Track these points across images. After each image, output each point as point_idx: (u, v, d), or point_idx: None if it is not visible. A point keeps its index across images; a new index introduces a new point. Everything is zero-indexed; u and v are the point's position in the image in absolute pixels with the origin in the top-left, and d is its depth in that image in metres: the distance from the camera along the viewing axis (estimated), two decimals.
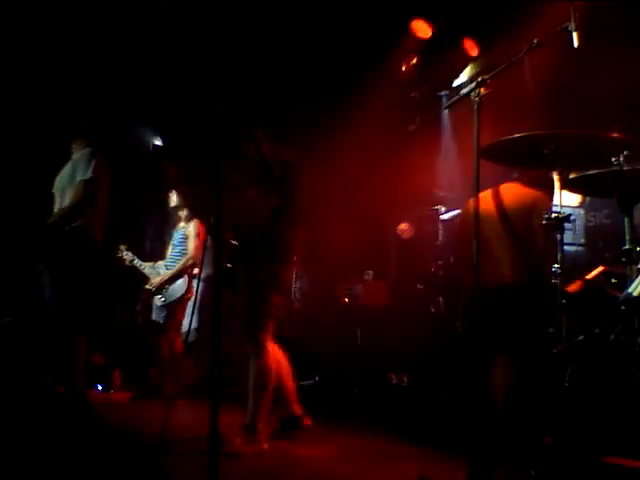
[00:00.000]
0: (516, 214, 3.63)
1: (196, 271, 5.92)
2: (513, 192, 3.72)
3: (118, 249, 5.95)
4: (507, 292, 3.50)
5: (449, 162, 6.01)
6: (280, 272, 3.80)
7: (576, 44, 2.71)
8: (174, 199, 6.04)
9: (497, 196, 3.75)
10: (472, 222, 2.91)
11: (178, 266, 5.86)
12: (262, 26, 5.58)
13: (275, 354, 3.75)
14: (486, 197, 3.75)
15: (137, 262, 5.96)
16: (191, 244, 5.88)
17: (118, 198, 7.28)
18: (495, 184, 3.84)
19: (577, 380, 2.58)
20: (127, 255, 5.94)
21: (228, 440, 3.39)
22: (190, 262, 5.88)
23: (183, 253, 5.91)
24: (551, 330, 2.77)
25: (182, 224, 6.03)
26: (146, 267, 5.96)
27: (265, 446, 3.44)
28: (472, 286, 2.69)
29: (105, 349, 6.52)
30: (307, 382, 4.93)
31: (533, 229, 3.53)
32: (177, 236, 6.00)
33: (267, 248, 3.67)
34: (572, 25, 2.72)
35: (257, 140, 2.38)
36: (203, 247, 5.84)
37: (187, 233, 5.93)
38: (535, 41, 2.82)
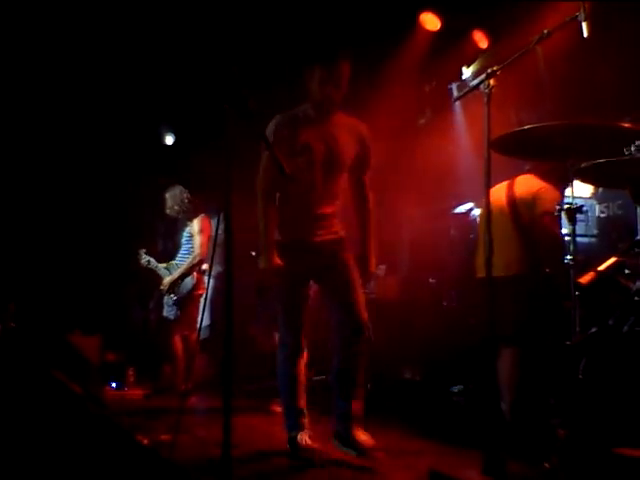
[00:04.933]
0: (522, 204, 3.69)
1: (205, 267, 5.94)
2: (524, 183, 3.76)
3: (138, 253, 6.00)
4: (511, 282, 3.51)
5: (461, 154, 5.97)
6: None
7: (586, 34, 2.69)
8: (169, 204, 6.01)
9: (510, 187, 3.79)
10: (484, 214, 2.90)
11: (185, 264, 5.89)
12: (269, 20, 5.59)
13: None
14: (500, 188, 3.81)
15: (153, 264, 6.00)
16: (196, 241, 5.90)
17: (131, 196, 7.36)
18: (508, 176, 3.85)
19: (591, 372, 2.56)
20: (144, 259, 5.99)
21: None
22: (197, 259, 5.89)
23: (190, 251, 5.93)
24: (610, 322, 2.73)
25: (187, 222, 6.03)
26: (161, 269, 6.00)
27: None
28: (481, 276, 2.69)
29: (119, 347, 6.57)
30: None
31: (535, 219, 3.57)
32: (184, 235, 6.02)
33: None
34: (582, 15, 2.70)
35: (267, 139, 2.39)
36: (208, 243, 5.88)
37: (191, 231, 5.94)
38: (545, 31, 2.80)
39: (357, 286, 3.47)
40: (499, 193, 3.76)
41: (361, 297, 3.47)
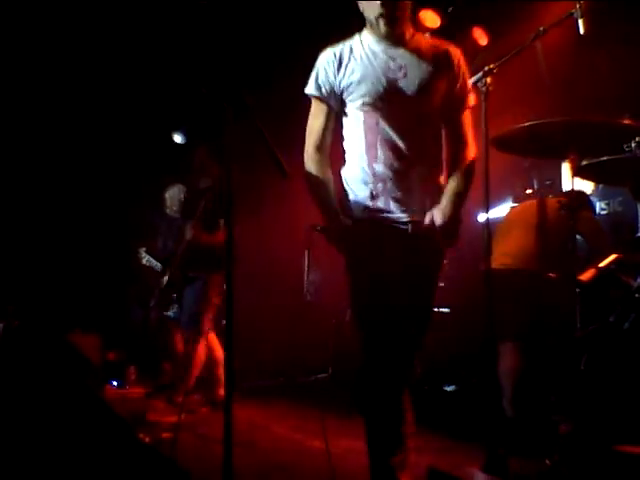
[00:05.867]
0: (552, 208, 3.51)
1: None
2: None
3: (138, 252, 5.99)
4: (521, 276, 3.49)
5: None
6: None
7: (582, 31, 2.69)
8: (168, 204, 5.99)
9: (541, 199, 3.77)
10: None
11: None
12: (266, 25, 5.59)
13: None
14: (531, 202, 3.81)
15: (153, 263, 5.98)
16: None
17: (131, 194, 7.35)
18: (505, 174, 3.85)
19: (592, 369, 2.56)
20: (144, 257, 5.98)
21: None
22: None
23: None
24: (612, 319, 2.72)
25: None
26: (161, 267, 5.99)
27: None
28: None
29: (119, 345, 6.57)
30: (321, 375, 4.93)
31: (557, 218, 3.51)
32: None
33: None
34: (578, 12, 2.70)
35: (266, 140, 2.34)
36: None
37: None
38: (541, 29, 2.79)
39: None
40: (527, 204, 3.78)
41: None
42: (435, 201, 2.48)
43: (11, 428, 2.22)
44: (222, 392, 4.60)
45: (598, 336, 2.61)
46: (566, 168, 3.27)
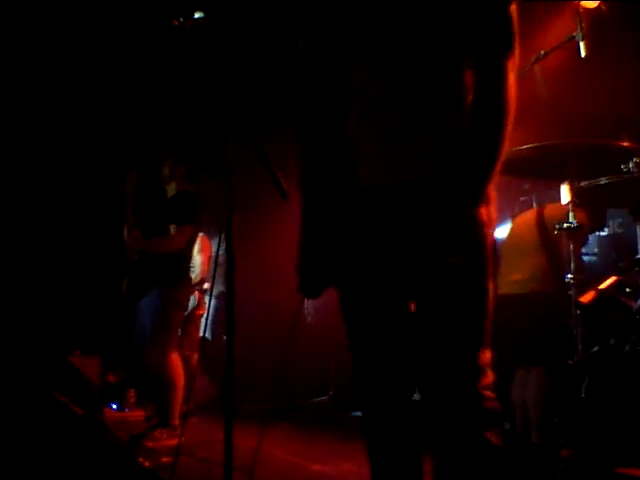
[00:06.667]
0: (552, 221, 3.53)
1: (206, 286, 5.91)
2: (555, 208, 3.64)
3: None
4: (535, 299, 3.42)
5: None
6: None
7: (583, 53, 2.72)
8: None
9: (540, 209, 3.72)
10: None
11: None
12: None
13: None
14: (530, 212, 3.78)
15: None
16: (196, 260, 5.88)
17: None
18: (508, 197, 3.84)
19: (594, 391, 2.55)
20: None
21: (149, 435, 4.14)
22: (198, 279, 5.87)
23: (191, 271, 5.91)
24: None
25: None
26: None
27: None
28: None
29: (119, 367, 6.54)
30: (321, 398, 4.90)
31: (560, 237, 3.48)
32: None
33: None
34: (579, 35, 2.73)
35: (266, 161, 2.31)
36: (208, 262, 5.86)
37: None
38: (542, 52, 2.82)
39: None
40: (528, 214, 3.74)
41: None
42: None
43: (9, 456, 2.21)
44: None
45: (599, 358, 2.60)
46: (565, 190, 3.27)
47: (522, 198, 4.29)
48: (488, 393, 1.63)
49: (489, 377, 1.63)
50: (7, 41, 5.51)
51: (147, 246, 4.52)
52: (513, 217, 4.24)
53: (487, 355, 1.64)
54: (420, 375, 1.71)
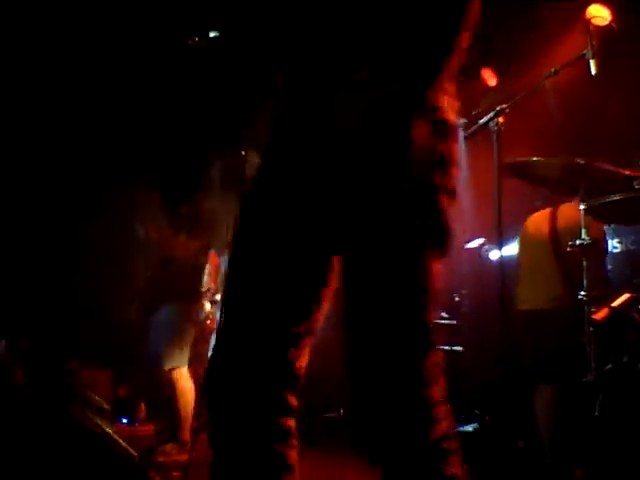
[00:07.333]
0: (565, 235, 3.43)
1: (217, 297, 5.90)
2: (568, 213, 3.54)
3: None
4: (554, 315, 3.37)
5: (467, 191, 5.98)
6: None
7: (594, 71, 2.72)
8: None
9: (553, 216, 3.64)
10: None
11: None
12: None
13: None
14: (542, 216, 3.68)
15: None
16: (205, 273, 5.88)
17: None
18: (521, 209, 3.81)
19: (607, 410, 2.53)
20: None
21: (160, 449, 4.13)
22: (205, 288, 5.86)
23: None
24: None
25: None
26: None
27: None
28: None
29: (129, 381, 6.53)
30: (332, 414, 4.88)
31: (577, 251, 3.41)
32: None
33: None
34: (589, 52, 2.73)
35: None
36: (216, 274, 5.86)
37: None
38: (553, 70, 2.83)
39: None
40: (540, 221, 3.64)
41: None
42: None
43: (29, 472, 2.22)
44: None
45: (612, 376, 2.59)
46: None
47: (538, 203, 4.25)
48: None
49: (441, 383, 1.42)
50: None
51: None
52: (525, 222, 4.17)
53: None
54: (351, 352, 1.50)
